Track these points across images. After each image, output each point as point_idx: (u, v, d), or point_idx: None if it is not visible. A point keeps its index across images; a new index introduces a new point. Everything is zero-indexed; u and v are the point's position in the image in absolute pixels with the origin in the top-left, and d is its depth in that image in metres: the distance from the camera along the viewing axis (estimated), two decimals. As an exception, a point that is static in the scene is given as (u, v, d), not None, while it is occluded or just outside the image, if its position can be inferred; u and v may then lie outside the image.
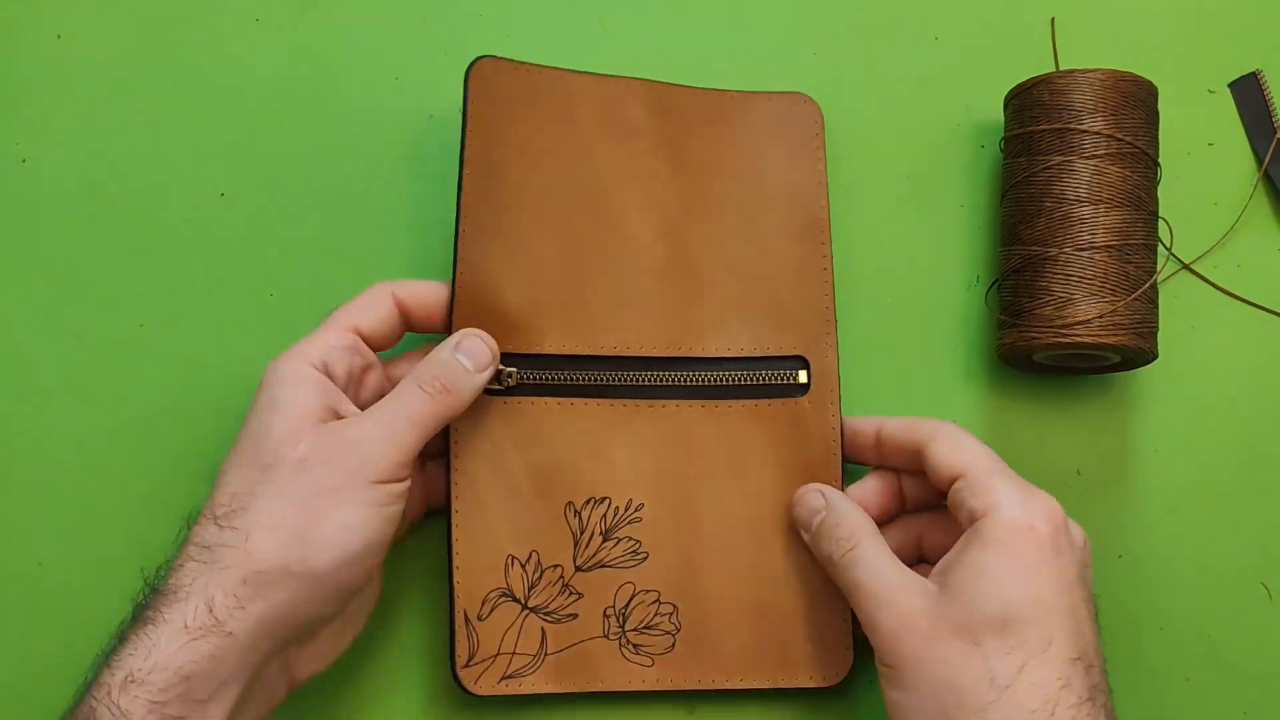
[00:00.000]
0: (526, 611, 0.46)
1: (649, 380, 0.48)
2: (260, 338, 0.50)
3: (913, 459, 0.44)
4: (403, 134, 0.52)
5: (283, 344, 0.50)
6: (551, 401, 0.47)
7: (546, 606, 0.46)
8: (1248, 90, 0.53)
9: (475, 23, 0.53)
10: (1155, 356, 0.47)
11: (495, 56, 0.47)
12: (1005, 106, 0.50)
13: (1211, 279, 0.52)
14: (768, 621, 0.47)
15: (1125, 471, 0.50)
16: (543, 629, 0.46)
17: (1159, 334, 0.48)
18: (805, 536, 0.46)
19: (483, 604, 0.46)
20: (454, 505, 0.46)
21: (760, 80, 0.53)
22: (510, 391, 0.47)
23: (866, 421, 0.47)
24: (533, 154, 0.48)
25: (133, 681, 0.37)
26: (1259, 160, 0.53)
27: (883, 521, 0.46)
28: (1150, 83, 0.48)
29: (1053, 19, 0.54)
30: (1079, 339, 0.46)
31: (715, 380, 0.48)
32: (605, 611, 0.47)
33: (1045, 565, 0.40)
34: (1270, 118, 0.53)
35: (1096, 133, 0.46)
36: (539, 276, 0.47)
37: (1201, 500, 0.50)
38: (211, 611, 0.38)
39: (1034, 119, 0.48)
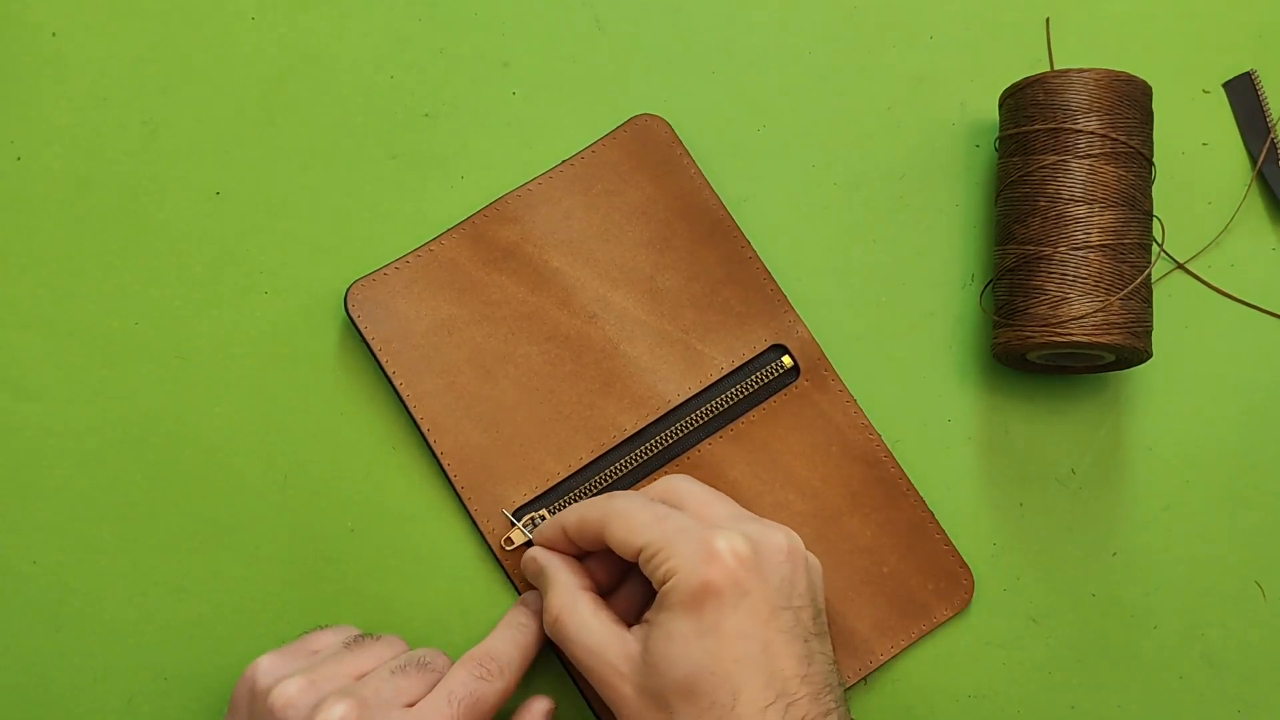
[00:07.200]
0: None
1: (659, 445, 0.49)
2: (255, 336, 0.50)
3: (602, 543, 0.43)
4: (398, 133, 0.52)
5: (278, 342, 0.50)
6: None
7: None
8: (1242, 90, 0.53)
9: (470, 22, 0.53)
10: (1149, 356, 0.48)
11: (362, 278, 0.49)
12: (1000, 106, 0.50)
13: (1206, 278, 0.52)
14: (882, 586, 0.48)
15: (1119, 470, 0.51)
16: None
17: (1153, 333, 0.48)
18: None
19: None
20: (568, 658, 0.47)
21: (758, 79, 0.53)
22: None
23: (550, 526, 0.46)
24: (439, 330, 0.49)
25: None
26: (1253, 160, 0.53)
27: (626, 571, 0.46)
28: (1145, 82, 0.48)
29: (1048, 19, 0.54)
30: (1073, 338, 0.46)
31: (716, 408, 0.49)
32: None
33: (725, 618, 0.39)
34: (1264, 117, 0.53)
35: (1091, 132, 0.46)
36: (510, 420, 0.49)
37: (1195, 499, 0.50)
38: None
39: (1029, 118, 0.48)
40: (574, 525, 0.44)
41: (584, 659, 0.42)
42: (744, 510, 0.44)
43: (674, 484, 0.45)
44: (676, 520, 0.42)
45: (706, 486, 0.45)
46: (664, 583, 0.40)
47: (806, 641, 0.40)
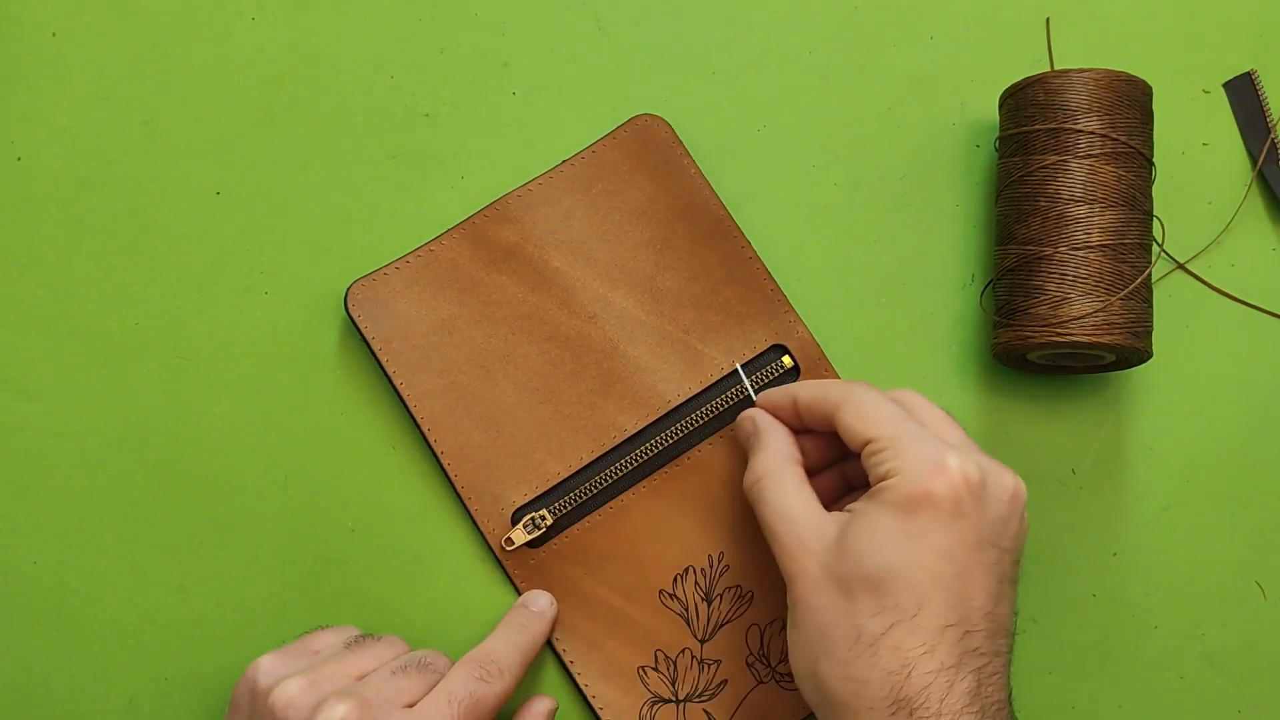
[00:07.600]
0: (683, 704, 0.47)
1: (659, 445, 0.49)
2: (255, 336, 0.50)
3: (829, 424, 0.44)
4: (398, 133, 0.52)
5: (278, 342, 0.50)
6: (594, 516, 0.48)
7: (697, 690, 0.47)
8: (1242, 90, 0.53)
9: (471, 22, 0.53)
10: (1150, 356, 0.48)
11: (362, 278, 0.49)
12: (1000, 106, 0.50)
13: (1206, 278, 0.52)
14: None
15: (1120, 470, 0.51)
16: (705, 710, 0.47)
17: (1153, 333, 0.48)
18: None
19: None
20: (568, 659, 0.47)
21: (758, 79, 0.53)
22: (554, 531, 0.48)
23: (781, 392, 0.46)
24: (439, 330, 0.49)
25: None
26: (1253, 160, 0.53)
27: (833, 460, 0.46)
28: (1145, 82, 0.48)
29: (1048, 19, 0.54)
30: (1074, 338, 0.46)
31: (717, 408, 0.49)
32: (747, 661, 0.48)
33: (935, 531, 0.39)
34: (1264, 117, 0.53)
35: (1091, 132, 0.46)
36: (510, 420, 0.49)
37: (1195, 499, 0.50)
38: None
39: (1029, 118, 0.48)
40: (807, 399, 0.44)
41: (776, 525, 0.42)
42: (975, 444, 0.43)
43: (912, 396, 0.44)
44: (913, 426, 0.42)
45: (944, 410, 0.44)
46: (884, 479, 0.40)
47: (1001, 583, 0.40)
